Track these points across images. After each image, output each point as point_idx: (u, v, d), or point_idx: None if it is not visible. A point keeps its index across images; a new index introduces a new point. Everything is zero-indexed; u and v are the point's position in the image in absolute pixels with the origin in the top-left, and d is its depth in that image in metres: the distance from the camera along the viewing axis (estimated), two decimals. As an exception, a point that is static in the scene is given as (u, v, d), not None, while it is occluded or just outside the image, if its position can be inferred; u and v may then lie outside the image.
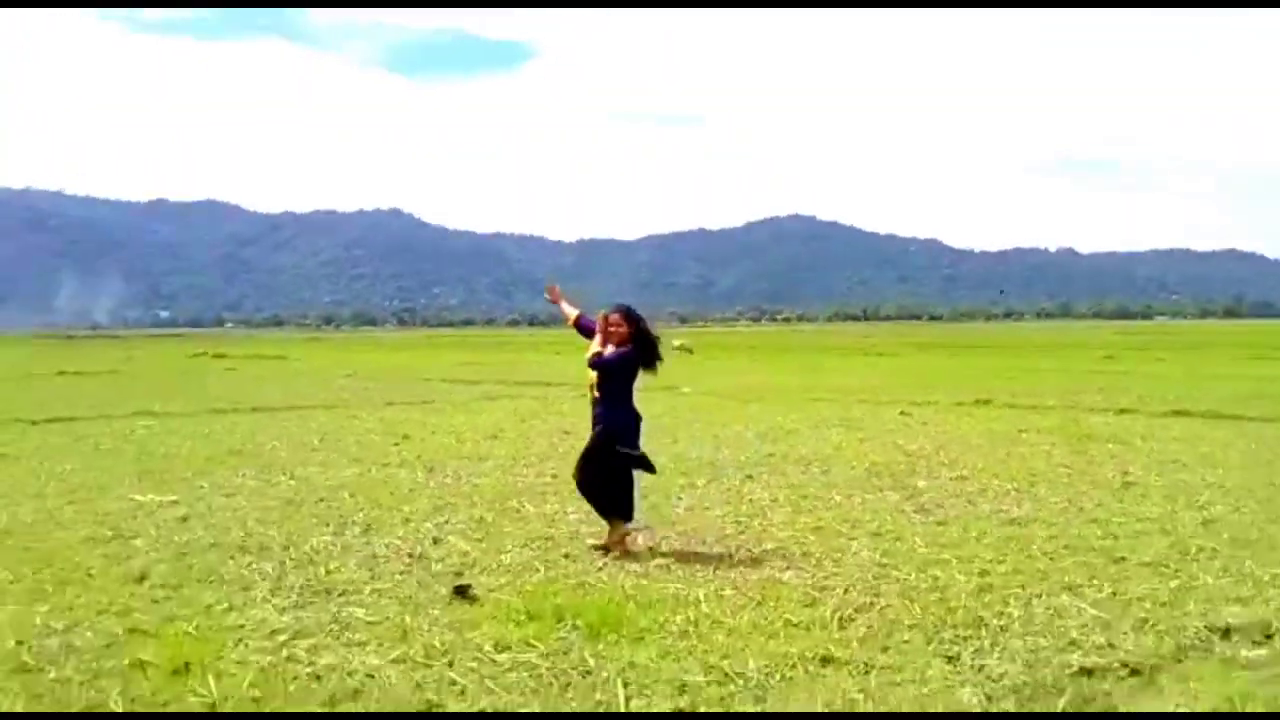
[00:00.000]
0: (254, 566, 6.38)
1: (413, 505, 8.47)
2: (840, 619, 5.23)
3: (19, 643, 4.89)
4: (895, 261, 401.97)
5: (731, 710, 4.12)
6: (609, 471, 6.76)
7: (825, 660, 4.60)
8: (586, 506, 7.12)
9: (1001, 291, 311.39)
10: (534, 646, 4.78)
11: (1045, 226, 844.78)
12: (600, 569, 6.33)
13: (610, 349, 6.78)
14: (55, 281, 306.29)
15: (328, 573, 6.23)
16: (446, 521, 7.82)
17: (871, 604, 5.50)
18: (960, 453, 11.64)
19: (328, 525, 7.66)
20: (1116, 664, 4.57)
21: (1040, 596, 5.65)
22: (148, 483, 9.65)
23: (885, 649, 4.78)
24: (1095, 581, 5.97)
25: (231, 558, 6.62)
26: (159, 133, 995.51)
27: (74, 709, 4.15)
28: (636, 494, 7.02)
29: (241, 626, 5.16)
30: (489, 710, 4.12)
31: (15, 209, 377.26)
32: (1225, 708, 4.14)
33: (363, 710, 4.14)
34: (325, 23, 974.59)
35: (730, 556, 6.65)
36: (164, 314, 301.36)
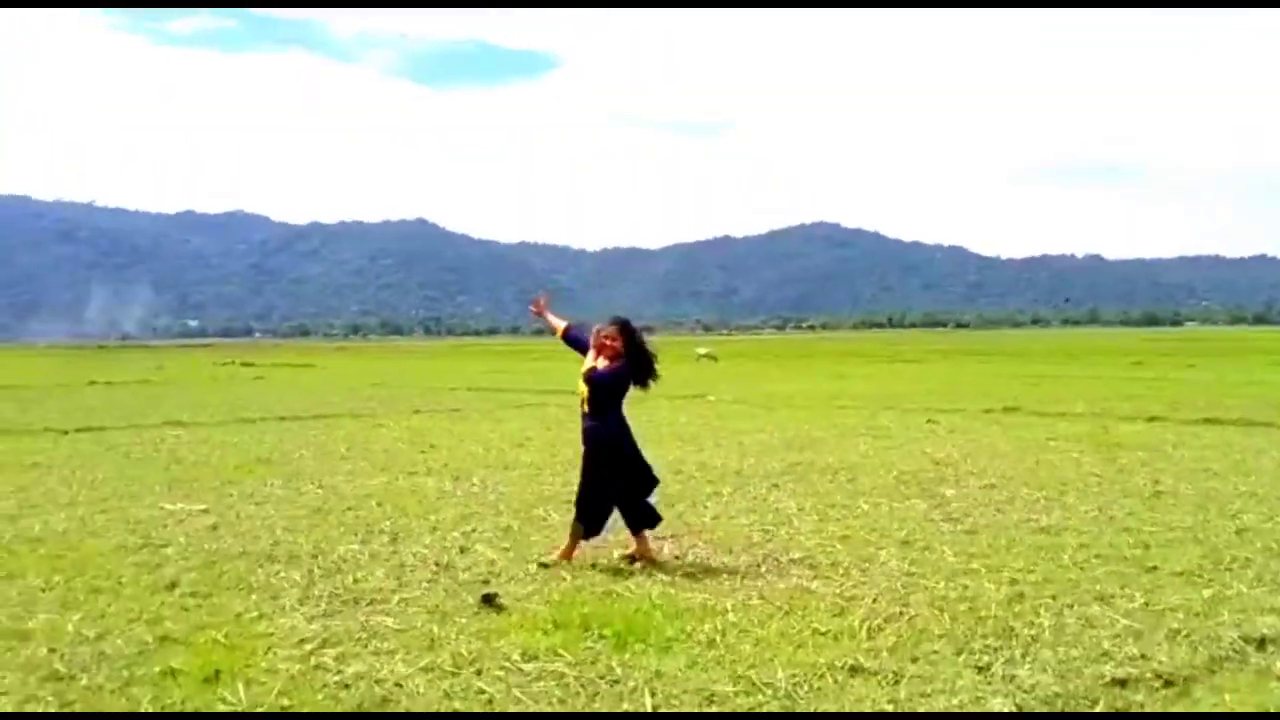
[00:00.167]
0: (282, 575, 6.42)
1: (440, 514, 8.50)
2: (869, 629, 5.19)
3: (51, 650, 4.94)
4: (920, 269, 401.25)
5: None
6: (623, 478, 6.76)
7: (854, 670, 4.58)
8: (612, 517, 7.11)
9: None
10: (561, 655, 4.79)
11: (1072, 233, 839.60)
12: (627, 578, 6.33)
13: (603, 363, 6.81)
14: (86, 292, 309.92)
15: (355, 581, 6.26)
16: (473, 530, 7.84)
17: (900, 613, 5.46)
18: (988, 461, 11.55)
19: (355, 534, 7.70)
20: (1150, 675, 4.52)
21: (1071, 606, 5.60)
22: (178, 491, 9.74)
23: (915, 659, 4.74)
24: (1127, 591, 5.90)
25: (260, 566, 6.66)
26: (187, 145, 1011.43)
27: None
28: (654, 500, 7.00)
29: (270, 635, 5.19)
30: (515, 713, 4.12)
31: (46, 221, 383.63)
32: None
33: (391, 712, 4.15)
34: (348, 34, 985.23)
35: (757, 566, 6.63)
36: (193, 323, 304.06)
